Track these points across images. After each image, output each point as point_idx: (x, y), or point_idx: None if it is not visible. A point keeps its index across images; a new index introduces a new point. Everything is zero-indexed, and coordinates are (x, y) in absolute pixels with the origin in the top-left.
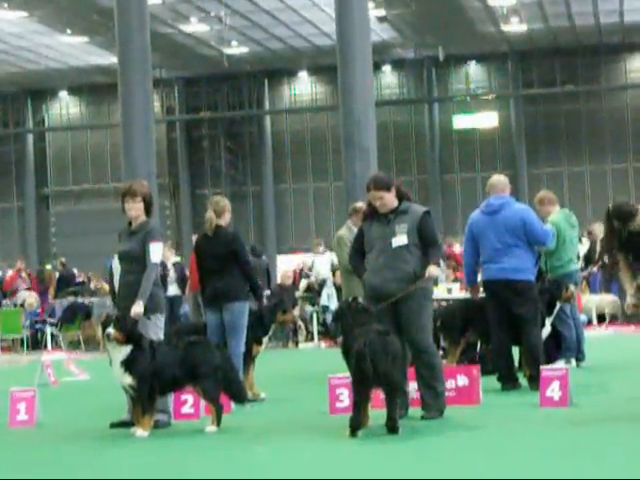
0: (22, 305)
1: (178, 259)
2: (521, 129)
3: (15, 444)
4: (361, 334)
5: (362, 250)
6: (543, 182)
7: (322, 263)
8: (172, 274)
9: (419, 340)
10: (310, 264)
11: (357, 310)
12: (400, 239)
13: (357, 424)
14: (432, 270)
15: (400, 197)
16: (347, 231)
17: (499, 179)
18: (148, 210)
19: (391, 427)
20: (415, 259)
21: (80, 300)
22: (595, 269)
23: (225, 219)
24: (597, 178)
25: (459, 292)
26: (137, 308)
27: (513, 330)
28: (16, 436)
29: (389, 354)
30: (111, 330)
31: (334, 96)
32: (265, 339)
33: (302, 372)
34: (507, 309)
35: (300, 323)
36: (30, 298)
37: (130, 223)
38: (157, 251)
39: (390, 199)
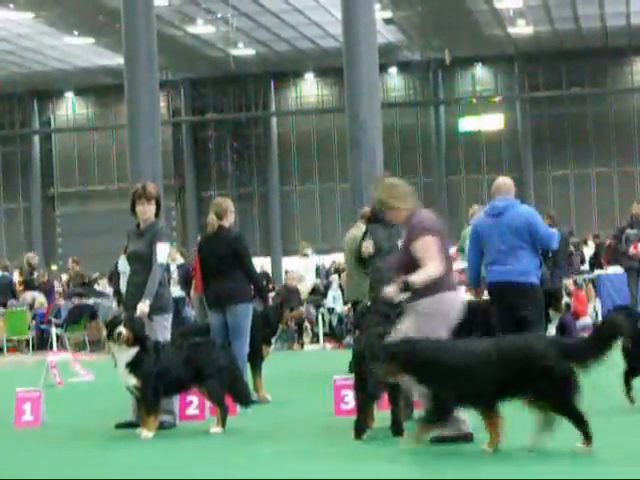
0: (32, 307)
1: (183, 260)
2: (527, 131)
3: (21, 444)
4: (363, 336)
5: None
6: (549, 184)
7: (308, 268)
8: (175, 275)
9: None
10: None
11: (375, 314)
12: None
13: (362, 427)
14: None
15: None
16: (359, 231)
17: (504, 181)
18: (158, 212)
19: (396, 429)
20: None
21: (85, 301)
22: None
23: (228, 220)
24: (603, 180)
25: (464, 295)
26: (143, 307)
27: (517, 333)
28: (22, 436)
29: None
30: (123, 329)
31: (340, 98)
32: (273, 339)
33: (307, 373)
34: (511, 311)
35: (307, 324)
36: (40, 298)
37: (138, 224)
38: (163, 252)
39: None
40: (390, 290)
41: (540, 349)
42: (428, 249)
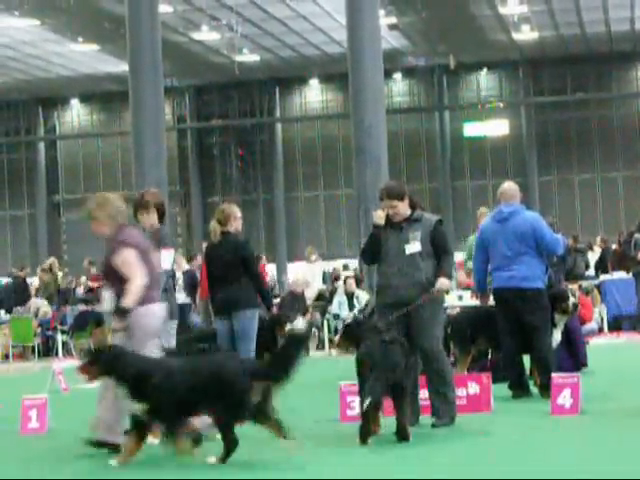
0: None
1: (188, 267)
2: (532, 137)
3: (26, 451)
4: (365, 344)
5: (372, 254)
6: (554, 189)
7: (314, 273)
8: (181, 282)
9: (429, 348)
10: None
11: (366, 324)
12: (413, 246)
13: (367, 432)
14: (442, 282)
15: (413, 206)
16: None
17: (510, 186)
18: (162, 219)
19: (402, 435)
20: (427, 266)
21: (91, 308)
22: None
23: (233, 226)
24: (608, 185)
25: (470, 300)
26: None
27: (523, 338)
28: (27, 443)
29: (390, 362)
30: None
31: (345, 104)
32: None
33: (313, 380)
34: (517, 317)
35: (315, 330)
36: (44, 307)
37: (144, 230)
38: (168, 257)
39: (403, 208)
40: (115, 324)
41: (228, 367)
42: (129, 263)
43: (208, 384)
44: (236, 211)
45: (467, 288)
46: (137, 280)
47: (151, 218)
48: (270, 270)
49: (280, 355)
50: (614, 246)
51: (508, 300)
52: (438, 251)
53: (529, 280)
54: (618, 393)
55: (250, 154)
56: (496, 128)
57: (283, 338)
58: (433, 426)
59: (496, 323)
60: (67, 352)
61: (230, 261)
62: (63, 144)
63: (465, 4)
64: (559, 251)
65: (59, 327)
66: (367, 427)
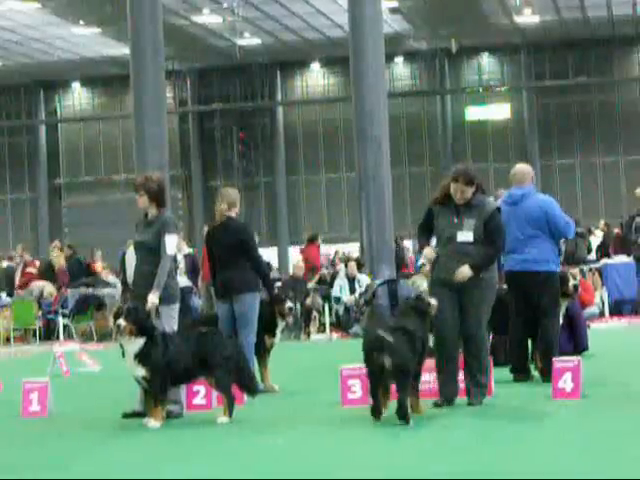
0: (41, 296)
1: (190, 250)
2: (533, 121)
3: (27, 434)
4: (372, 329)
5: (429, 228)
6: (555, 173)
7: None
8: (182, 265)
9: (471, 330)
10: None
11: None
12: (466, 235)
13: (378, 411)
14: (459, 271)
15: (476, 190)
16: None
17: (522, 169)
18: (159, 202)
19: (401, 416)
20: (480, 252)
21: (92, 291)
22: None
23: (235, 210)
24: (609, 169)
25: None
26: (153, 298)
27: (532, 322)
28: (28, 426)
29: (395, 348)
30: (122, 322)
31: (346, 87)
32: (278, 331)
33: (314, 363)
34: (527, 300)
35: (315, 314)
36: (48, 287)
37: (147, 214)
38: (172, 243)
39: (470, 193)
40: None
41: None
42: None
43: None
44: (239, 195)
45: None
46: None
47: (142, 201)
48: (324, 251)
49: None
50: (616, 230)
51: (519, 283)
52: (487, 239)
53: (540, 263)
54: (619, 377)
55: (251, 138)
56: (498, 112)
57: (282, 318)
58: (468, 404)
59: (498, 306)
60: (68, 335)
61: (230, 245)
62: (64, 127)
63: None
64: (570, 234)
65: (60, 310)
66: (377, 406)
